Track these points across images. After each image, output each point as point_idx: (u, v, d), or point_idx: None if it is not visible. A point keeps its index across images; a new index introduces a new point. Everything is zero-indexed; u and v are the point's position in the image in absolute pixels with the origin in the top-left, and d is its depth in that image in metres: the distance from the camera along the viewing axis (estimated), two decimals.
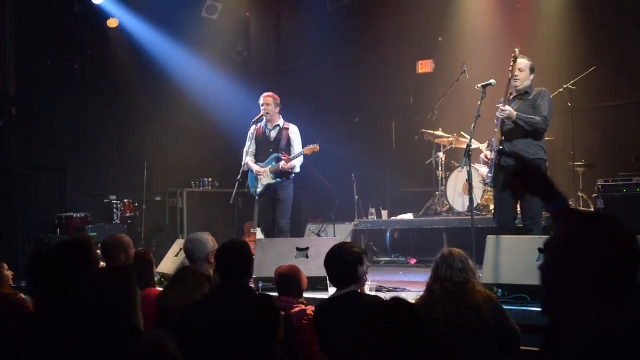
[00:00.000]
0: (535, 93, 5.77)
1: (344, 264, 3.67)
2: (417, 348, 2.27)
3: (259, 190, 7.25)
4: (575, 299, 1.61)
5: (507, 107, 5.63)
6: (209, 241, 4.42)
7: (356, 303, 3.62)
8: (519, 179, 1.98)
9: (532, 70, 5.81)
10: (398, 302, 2.51)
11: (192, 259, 4.36)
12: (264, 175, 7.19)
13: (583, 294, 1.60)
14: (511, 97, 5.84)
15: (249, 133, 7.39)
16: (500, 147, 5.72)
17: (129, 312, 3.07)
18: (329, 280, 3.87)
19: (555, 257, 1.67)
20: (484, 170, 6.23)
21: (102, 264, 4.91)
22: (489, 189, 7.38)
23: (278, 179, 7.15)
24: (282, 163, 7.06)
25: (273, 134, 7.29)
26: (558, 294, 1.64)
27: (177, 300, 3.63)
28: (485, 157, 5.94)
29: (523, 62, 5.80)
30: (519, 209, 6.00)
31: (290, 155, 7.11)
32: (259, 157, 7.32)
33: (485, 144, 6.00)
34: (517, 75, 5.77)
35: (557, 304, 1.66)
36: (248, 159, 7.33)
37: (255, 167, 7.25)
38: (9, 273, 4.54)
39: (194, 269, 4.07)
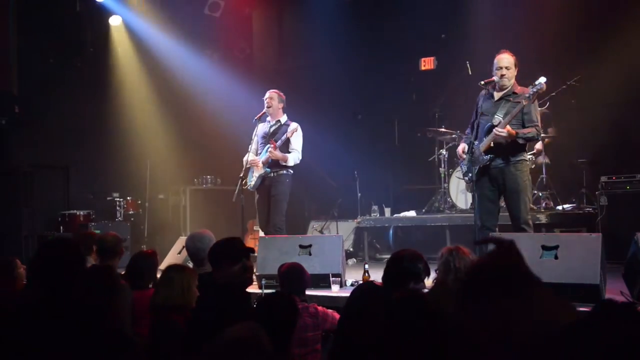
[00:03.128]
0: (523, 96, 5.63)
1: (401, 270, 3.50)
2: (430, 341, 2.27)
3: (253, 183, 7.18)
4: None
5: (506, 130, 5.50)
6: (213, 238, 4.44)
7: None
8: None
9: (515, 65, 5.74)
10: (410, 294, 2.53)
11: (200, 258, 4.34)
12: (258, 167, 7.14)
13: None
14: (498, 97, 5.79)
15: (255, 131, 7.36)
16: (492, 154, 5.69)
17: (111, 313, 3.04)
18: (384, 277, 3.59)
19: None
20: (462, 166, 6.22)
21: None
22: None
23: (268, 169, 7.10)
24: (270, 149, 7.03)
25: (273, 128, 7.27)
26: None
27: (168, 300, 3.60)
28: (463, 151, 5.94)
29: (508, 58, 5.73)
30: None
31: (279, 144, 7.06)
32: (259, 152, 7.29)
33: (465, 139, 6.03)
34: (505, 75, 5.71)
35: None
36: (249, 156, 7.29)
37: (250, 158, 7.21)
38: (22, 271, 4.53)
39: (180, 267, 3.95)
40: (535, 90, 5.53)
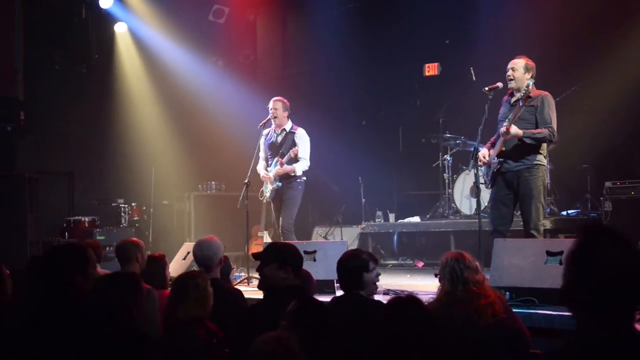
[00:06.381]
0: (538, 99, 5.67)
1: (348, 270, 3.79)
2: (426, 344, 2.29)
3: (268, 194, 7.27)
4: (574, 305, 1.80)
5: (513, 128, 5.53)
6: (221, 245, 4.44)
7: (356, 305, 3.69)
8: None
9: (527, 69, 5.71)
10: (410, 298, 2.56)
11: (207, 265, 4.33)
12: (270, 181, 7.20)
13: (579, 304, 1.78)
14: (513, 100, 5.80)
15: (260, 138, 7.39)
16: (501, 158, 5.70)
17: (135, 319, 3.03)
18: (340, 285, 3.95)
19: (565, 264, 1.84)
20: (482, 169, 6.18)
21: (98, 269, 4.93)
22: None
23: (279, 183, 7.14)
24: (277, 167, 7.06)
25: (280, 138, 7.29)
26: (564, 295, 1.83)
27: (184, 312, 3.45)
28: (484, 157, 5.87)
29: (516, 61, 5.75)
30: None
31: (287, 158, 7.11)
32: (269, 162, 7.34)
33: (488, 144, 5.96)
34: (509, 76, 5.74)
35: (565, 302, 1.85)
36: (260, 165, 7.34)
37: (262, 173, 7.28)
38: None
39: (197, 276, 3.74)
40: (524, 92, 5.59)
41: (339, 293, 5.60)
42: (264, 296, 3.78)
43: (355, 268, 3.77)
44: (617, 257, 1.73)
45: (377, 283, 3.94)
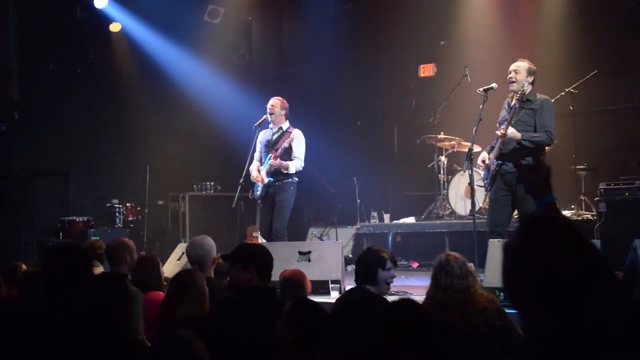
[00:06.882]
0: (537, 102, 5.67)
1: (365, 263, 3.87)
2: (423, 345, 2.30)
3: (259, 193, 7.20)
4: (519, 300, 1.64)
5: (510, 130, 5.54)
6: (213, 244, 4.45)
7: (362, 299, 3.72)
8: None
9: (530, 72, 5.69)
10: (406, 301, 2.57)
11: (201, 264, 4.35)
12: (261, 181, 7.15)
13: (525, 296, 1.61)
14: (513, 101, 5.79)
15: (255, 138, 7.37)
16: (500, 161, 5.72)
17: (124, 320, 3.02)
18: (355, 279, 3.96)
19: (505, 257, 1.68)
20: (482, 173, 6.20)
21: (99, 269, 4.92)
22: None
23: (271, 179, 7.11)
24: (270, 160, 7.05)
25: (275, 136, 7.27)
26: (509, 291, 1.67)
27: (184, 311, 3.43)
28: (483, 161, 5.89)
29: (520, 64, 5.73)
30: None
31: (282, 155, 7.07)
32: (262, 161, 7.30)
33: (488, 148, 5.97)
34: (512, 78, 5.70)
35: (512, 300, 1.68)
36: (253, 165, 7.30)
37: (254, 174, 7.22)
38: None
39: (195, 274, 3.81)
40: (519, 94, 5.59)
41: (334, 294, 5.66)
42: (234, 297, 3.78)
43: (372, 263, 3.84)
44: (568, 247, 1.57)
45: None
